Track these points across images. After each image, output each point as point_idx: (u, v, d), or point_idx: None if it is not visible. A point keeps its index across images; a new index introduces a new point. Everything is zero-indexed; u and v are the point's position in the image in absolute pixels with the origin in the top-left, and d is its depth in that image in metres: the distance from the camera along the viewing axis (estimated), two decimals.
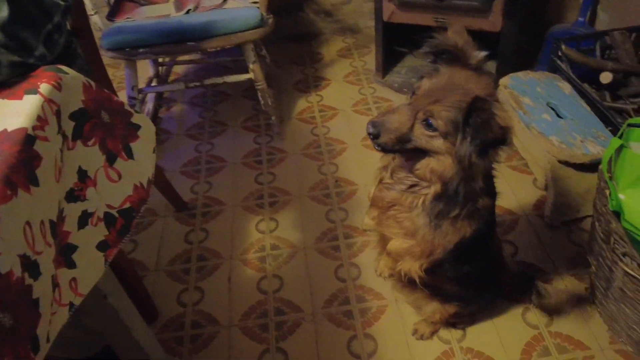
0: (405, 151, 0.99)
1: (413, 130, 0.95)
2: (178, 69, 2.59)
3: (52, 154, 0.71)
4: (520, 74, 1.87)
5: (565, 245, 1.61)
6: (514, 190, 1.80)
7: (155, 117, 2.27)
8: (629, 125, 1.30)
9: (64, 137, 0.77)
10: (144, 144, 0.96)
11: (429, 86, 0.95)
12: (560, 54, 1.87)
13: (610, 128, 1.65)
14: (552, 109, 1.72)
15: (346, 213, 1.78)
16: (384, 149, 0.98)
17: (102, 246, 0.85)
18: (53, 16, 0.86)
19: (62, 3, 0.89)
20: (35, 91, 0.72)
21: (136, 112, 0.96)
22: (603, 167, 1.26)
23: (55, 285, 0.72)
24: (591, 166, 1.55)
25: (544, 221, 1.68)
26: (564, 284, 1.50)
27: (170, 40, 1.75)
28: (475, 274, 1.21)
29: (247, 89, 2.39)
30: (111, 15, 1.87)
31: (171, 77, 2.52)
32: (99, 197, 0.85)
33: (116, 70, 2.59)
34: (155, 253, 1.70)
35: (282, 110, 2.27)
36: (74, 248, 0.79)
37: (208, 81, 1.99)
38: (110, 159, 0.88)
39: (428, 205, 1.02)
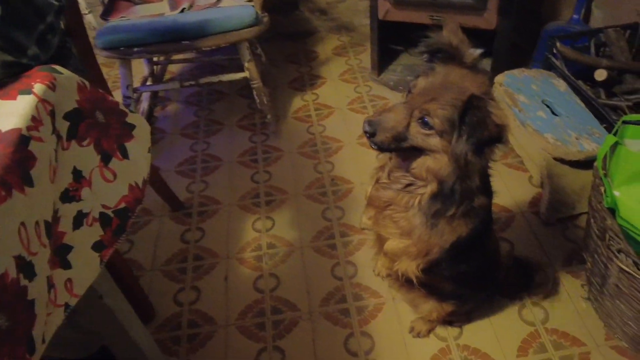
0: (402, 150, 0.99)
1: (409, 128, 0.95)
2: (173, 68, 2.58)
3: (46, 155, 0.71)
4: (516, 72, 1.87)
5: (561, 242, 1.62)
6: (510, 188, 1.81)
7: (150, 116, 2.27)
8: (624, 122, 1.31)
9: (59, 137, 0.76)
10: (139, 144, 0.96)
11: (424, 85, 0.95)
12: (555, 51, 1.87)
13: (605, 125, 1.65)
14: (547, 106, 1.73)
15: (342, 211, 1.78)
16: (380, 148, 0.98)
17: (97, 246, 0.85)
18: (46, 16, 0.85)
19: (55, 3, 0.88)
20: (29, 91, 0.71)
21: (131, 111, 0.96)
22: (598, 164, 1.26)
23: (51, 286, 0.72)
24: (586, 163, 1.56)
25: (540, 218, 1.69)
26: (560, 281, 1.51)
27: (165, 39, 1.75)
28: (472, 272, 1.21)
29: (242, 88, 2.39)
30: (105, 14, 1.87)
31: (166, 76, 2.52)
32: (94, 197, 0.85)
33: (111, 70, 2.58)
34: (151, 253, 1.70)
35: (277, 109, 2.27)
36: (69, 248, 0.79)
37: (203, 80, 1.98)
38: (105, 159, 0.88)
39: (424, 204, 1.02)
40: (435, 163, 0.96)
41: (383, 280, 1.54)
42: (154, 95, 2.37)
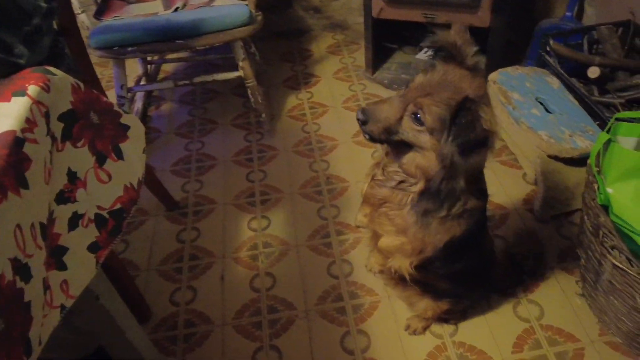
0: (393, 143, 1.00)
1: (402, 122, 0.95)
2: (167, 67, 2.57)
3: (41, 156, 0.71)
4: (509, 69, 1.88)
5: (555, 239, 1.63)
6: (504, 185, 1.82)
7: (144, 116, 2.26)
8: (617, 119, 1.32)
9: (53, 138, 0.76)
10: (134, 145, 0.96)
11: (422, 80, 0.95)
12: (548, 49, 1.88)
13: (598, 122, 1.66)
14: (541, 103, 1.74)
15: (338, 210, 1.79)
16: (371, 137, 0.98)
17: (93, 247, 0.85)
18: (32, 18, 0.85)
19: (43, 5, 0.88)
20: (23, 93, 0.71)
21: (125, 112, 0.96)
22: (591, 161, 1.27)
23: (47, 287, 0.72)
24: (580, 160, 1.57)
25: (534, 215, 1.69)
26: (554, 277, 1.52)
27: (158, 39, 1.74)
28: (467, 271, 1.22)
29: (236, 87, 2.39)
30: (98, 14, 1.86)
31: (160, 76, 2.51)
32: (89, 198, 0.85)
33: (104, 69, 2.57)
34: (146, 253, 1.69)
35: (272, 108, 2.27)
36: (64, 250, 0.79)
37: (197, 79, 1.98)
38: (100, 160, 0.88)
39: (415, 203, 1.03)
40: (424, 160, 0.96)
41: (375, 276, 1.55)
42: (148, 95, 2.37)
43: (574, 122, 1.66)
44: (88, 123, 0.85)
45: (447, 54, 0.96)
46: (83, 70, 1.38)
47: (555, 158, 1.59)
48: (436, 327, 1.42)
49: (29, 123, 0.69)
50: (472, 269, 1.23)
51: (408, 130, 0.95)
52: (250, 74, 1.94)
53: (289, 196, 1.85)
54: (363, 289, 1.53)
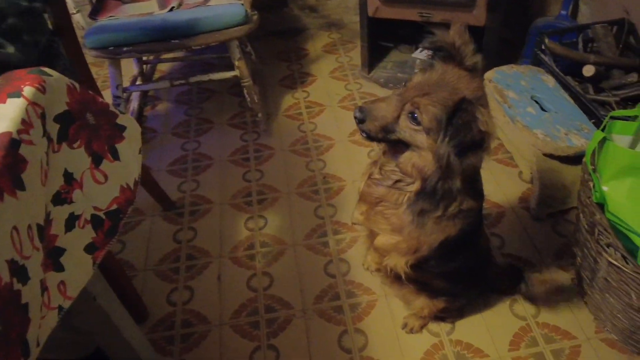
0: (389, 141, 1.00)
1: (399, 121, 0.95)
2: (163, 67, 2.57)
3: (37, 158, 0.71)
4: (505, 68, 1.88)
5: (551, 237, 1.63)
6: (500, 184, 1.82)
7: (140, 116, 2.26)
8: (612, 117, 1.32)
9: (49, 139, 0.76)
10: (130, 145, 0.96)
11: (420, 80, 0.96)
12: (543, 47, 1.89)
13: (593, 120, 1.67)
14: (537, 102, 1.74)
15: (335, 209, 1.79)
16: (368, 136, 0.99)
17: (89, 248, 0.85)
18: (7, 17, 0.84)
19: (23, 4, 0.87)
20: (18, 94, 0.71)
21: (121, 112, 0.96)
22: (586, 159, 1.28)
23: (44, 289, 0.72)
24: (576, 158, 1.57)
25: (530, 213, 1.70)
26: (550, 275, 1.52)
27: (154, 39, 1.74)
28: (463, 270, 1.23)
29: (232, 86, 2.38)
30: (94, 14, 1.85)
31: (156, 75, 2.50)
32: (85, 199, 0.84)
33: (100, 69, 2.56)
34: (143, 253, 1.69)
35: (268, 107, 2.27)
36: (61, 251, 0.79)
37: (193, 79, 1.98)
38: (96, 161, 0.87)
39: (411, 202, 1.03)
40: (421, 160, 0.97)
41: (372, 275, 1.55)
42: (144, 95, 2.36)
43: (569, 120, 1.66)
44: (84, 124, 0.85)
45: (446, 54, 0.96)
46: (78, 71, 1.38)
47: (551, 156, 1.60)
48: (433, 326, 1.43)
49: (25, 124, 0.69)
50: (467, 268, 1.24)
51: (405, 130, 0.95)
52: (246, 74, 1.94)
53: (286, 195, 1.86)
54: (360, 288, 1.54)
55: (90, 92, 0.87)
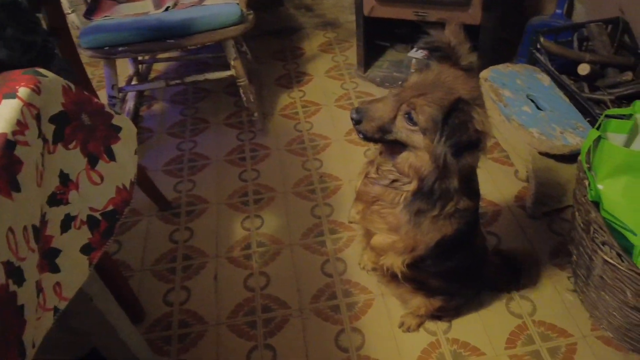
0: (386, 142, 1.00)
1: (395, 121, 0.95)
2: (158, 67, 2.56)
3: (33, 159, 0.71)
4: (500, 67, 1.89)
5: (547, 235, 1.64)
6: (496, 182, 1.83)
7: (136, 116, 2.25)
8: (607, 116, 1.33)
9: (45, 140, 0.76)
10: (126, 146, 0.96)
11: (416, 80, 0.96)
12: (539, 46, 1.89)
13: (588, 119, 1.68)
14: (532, 101, 1.75)
15: (331, 208, 1.79)
16: (365, 137, 0.99)
17: (86, 249, 0.85)
18: None
19: None
20: (14, 95, 0.71)
21: (117, 113, 0.95)
22: (582, 158, 1.28)
23: (40, 290, 0.72)
24: (571, 157, 1.58)
25: (526, 212, 1.71)
26: (546, 273, 1.53)
27: (149, 38, 1.74)
28: (459, 269, 1.23)
29: (228, 85, 2.38)
30: (89, 14, 1.85)
31: (151, 75, 2.50)
32: (81, 200, 0.84)
33: (95, 69, 2.55)
34: (140, 253, 1.69)
35: (264, 107, 2.27)
36: (57, 252, 0.78)
37: (189, 78, 1.97)
38: (92, 162, 0.87)
39: (408, 202, 1.03)
40: (417, 160, 0.97)
41: (368, 274, 1.55)
42: (140, 95, 2.36)
43: (564, 119, 1.67)
44: (79, 125, 0.84)
45: (442, 54, 0.96)
46: (74, 71, 1.37)
47: (547, 155, 1.60)
48: (430, 324, 1.43)
49: (20, 125, 0.69)
50: (464, 267, 1.24)
51: (401, 130, 0.95)
52: (242, 73, 1.94)
53: (282, 195, 1.86)
54: (357, 287, 1.54)
55: (85, 92, 0.87)
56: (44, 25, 1.18)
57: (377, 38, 2.47)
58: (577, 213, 1.33)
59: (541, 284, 1.51)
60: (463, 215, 1.06)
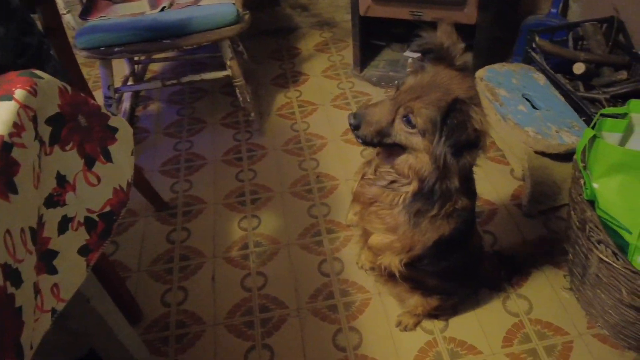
0: (385, 145, 1.00)
1: (393, 125, 0.96)
2: (154, 67, 2.56)
3: (30, 161, 0.70)
4: (496, 66, 1.89)
5: (543, 234, 1.65)
6: (492, 181, 1.83)
7: (132, 116, 2.25)
8: (602, 115, 1.34)
9: (41, 142, 0.76)
10: (122, 147, 0.96)
11: (412, 83, 0.96)
12: (534, 45, 1.90)
13: (584, 118, 1.68)
14: (528, 100, 1.75)
15: (328, 208, 1.79)
16: (364, 141, 0.99)
17: (83, 251, 0.85)
18: None
19: None
20: (10, 97, 0.71)
21: (113, 114, 0.95)
22: (577, 157, 1.29)
23: (37, 292, 0.72)
24: (567, 156, 1.59)
25: (522, 210, 1.71)
26: (543, 272, 1.54)
27: (145, 39, 1.73)
28: (456, 269, 1.23)
29: (225, 85, 2.38)
30: (84, 14, 1.84)
31: (147, 75, 2.49)
32: (78, 201, 0.84)
33: (91, 69, 2.55)
34: (137, 254, 1.69)
35: (261, 107, 2.27)
36: (54, 254, 0.78)
37: (185, 79, 1.97)
38: (89, 163, 0.87)
39: (407, 203, 1.03)
40: (417, 162, 0.97)
41: (366, 273, 1.56)
42: (136, 95, 2.35)
43: (560, 118, 1.68)
44: (76, 126, 0.84)
45: (436, 56, 0.97)
46: (70, 72, 1.37)
47: (542, 154, 1.61)
48: (427, 323, 1.44)
49: (17, 127, 0.69)
50: (460, 265, 1.24)
51: (400, 133, 0.95)
52: (239, 73, 1.94)
53: (279, 195, 1.86)
54: (354, 287, 1.54)
55: (81, 94, 0.87)
56: (39, 26, 1.18)
57: (373, 37, 2.47)
58: (572, 212, 1.34)
59: (537, 282, 1.51)
60: (460, 214, 1.06)
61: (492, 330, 1.41)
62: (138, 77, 2.35)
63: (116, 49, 1.74)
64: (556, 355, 1.35)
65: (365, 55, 2.39)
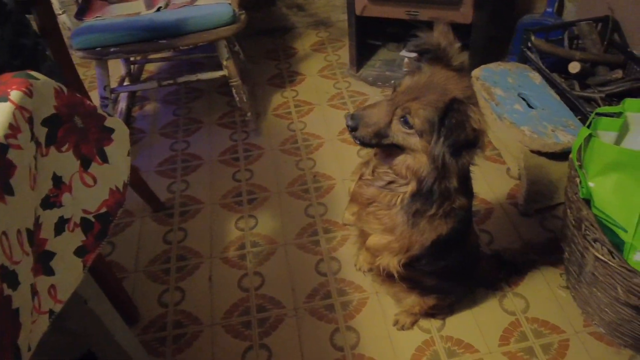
0: (383, 146, 1.00)
1: (391, 126, 0.96)
2: (150, 67, 2.55)
3: (26, 162, 0.70)
4: (492, 65, 1.90)
5: (539, 233, 1.65)
6: (488, 180, 1.84)
7: (128, 116, 2.25)
8: (597, 114, 1.34)
9: (37, 143, 0.76)
10: (119, 147, 0.95)
11: (409, 83, 0.96)
12: (530, 44, 1.91)
13: (579, 117, 1.69)
14: (523, 99, 1.76)
15: (325, 208, 1.79)
16: (362, 143, 0.99)
17: (80, 252, 0.84)
18: None
19: None
20: (5, 99, 0.70)
21: (109, 115, 0.95)
22: (573, 156, 1.29)
23: (34, 293, 0.72)
24: (562, 155, 1.59)
25: (518, 209, 1.72)
26: (539, 270, 1.54)
27: (141, 39, 1.73)
28: (453, 268, 1.24)
29: (221, 85, 2.38)
30: (80, 14, 1.84)
31: (143, 75, 2.49)
32: (74, 202, 0.84)
33: (87, 70, 2.54)
34: (133, 254, 1.69)
35: (257, 106, 2.27)
36: (51, 255, 0.78)
37: (181, 79, 1.97)
38: (85, 164, 0.87)
39: (406, 203, 1.03)
40: (415, 162, 0.97)
41: (365, 275, 1.56)
42: (132, 95, 2.35)
43: (555, 117, 1.68)
44: (72, 127, 0.84)
45: (433, 56, 0.97)
46: (65, 72, 1.37)
47: (538, 153, 1.61)
48: (424, 322, 1.44)
49: (13, 129, 0.69)
50: (457, 265, 1.25)
51: (398, 134, 0.95)
52: (235, 73, 1.94)
53: (276, 195, 1.86)
54: (351, 286, 1.54)
55: (77, 94, 0.86)
56: (35, 27, 1.18)
57: (369, 37, 2.47)
58: (568, 210, 1.34)
59: (534, 281, 1.52)
60: (458, 213, 1.06)
61: (489, 328, 1.42)
62: (134, 77, 2.35)
63: (112, 49, 1.73)
64: (553, 353, 1.35)
65: (362, 55, 2.39)
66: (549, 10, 2.17)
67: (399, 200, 1.04)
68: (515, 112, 1.69)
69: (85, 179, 0.87)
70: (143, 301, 1.54)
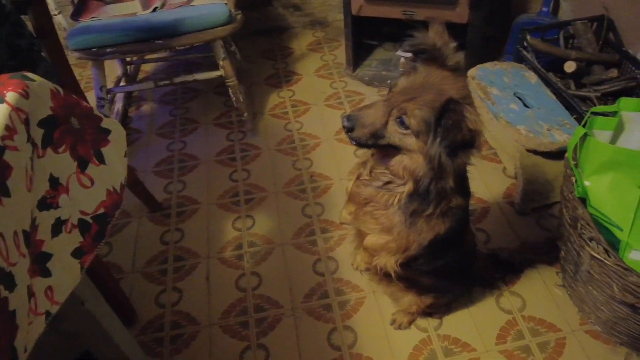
0: (380, 147, 1.01)
1: (387, 126, 0.96)
2: (147, 67, 2.55)
3: (22, 164, 0.70)
4: (488, 65, 1.90)
5: (536, 231, 1.66)
6: (485, 179, 1.84)
7: (125, 117, 2.24)
8: (593, 113, 1.35)
9: (34, 145, 0.76)
10: (115, 148, 0.95)
11: (405, 84, 0.96)
12: (525, 44, 1.91)
13: (575, 116, 1.70)
14: (519, 98, 1.76)
15: (322, 207, 1.80)
16: (359, 143, 1.00)
17: (77, 253, 0.84)
18: None
19: None
20: (1, 100, 0.70)
21: (105, 116, 0.95)
22: (569, 155, 1.30)
23: (31, 295, 0.72)
24: (558, 154, 1.60)
25: (515, 208, 1.72)
26: (535, 269, 1.55)
27: (138, 39, 1.73)
28: (450, 267, 1.24)
29: (217, 85, 2.38)
30: (76, 15, 1.83)
31: (140, 76, 2.49)
32: (72, 203, 0.84)
33: (83, 70, 2.54)
34: (131, 255, 1.68)
35: (254, 106, 2.26)
36: (48, 256, 0.78)
37: (178, 79, 1.97)
38: (82, 165, 0.87)
39: (403, 203, 1.04)
40: (412, 162, 0.98)
41: (362, 274, 1.56)
42: (128, 96, 2.35)
43: (551, 116, 1.69)
44: (69, 128, 0.84)
45: (428, 56, 0.97)
46: (61, 73, 1.37)
47: (534, 152, 1.62)
48: (421, 321, 1.44)
49: (9, 130, 0.69)
50: (455, 264, 1.25)
51: (394, 134, 0.96)
52: (231, 73, 1.94)
53: (273, 195, 1.86)
54: (349, 286, 1.55)
55: (74, 95, 0.86)
56: (30, 28, 1.18)
57: (366, 37, 2.48)
58: (564, 209, 1.35)
59: (530, 279, 1.53)
60: (455, 213, 1.07)
61: (486, 327, 1.42)
62: (130, 77, 2.34)
63: (108, 50, 1.73)
64: (549, 351, 1.36)
65: (358, 54, 2.40)
66: (545, 9, 2.17)
67: (396, 200, 1.04)
68: (511, 112, 1.70)
69: (82, 180, 0.87)
70: (141, 302, 1.54)
